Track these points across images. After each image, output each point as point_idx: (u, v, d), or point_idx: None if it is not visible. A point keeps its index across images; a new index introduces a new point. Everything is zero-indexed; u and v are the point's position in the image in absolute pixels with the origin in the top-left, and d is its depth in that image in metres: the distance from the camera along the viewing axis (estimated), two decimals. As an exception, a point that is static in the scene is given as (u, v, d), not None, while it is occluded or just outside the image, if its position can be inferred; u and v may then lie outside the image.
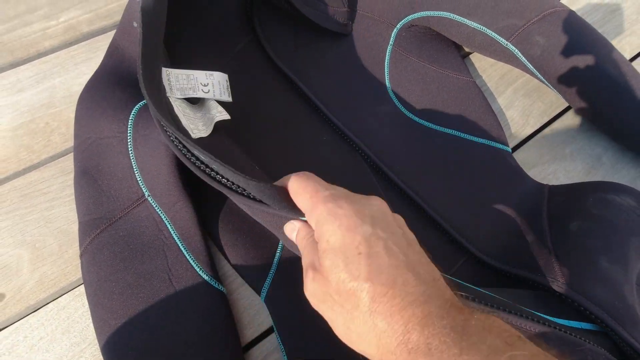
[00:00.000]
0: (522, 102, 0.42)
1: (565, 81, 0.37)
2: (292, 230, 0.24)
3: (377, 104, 0.39)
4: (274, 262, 0.31)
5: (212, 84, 0.32)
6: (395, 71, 0.40)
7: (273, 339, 0.31)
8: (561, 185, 0.35)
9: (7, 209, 0.34)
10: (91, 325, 0.30)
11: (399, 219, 0.23)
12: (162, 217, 0.29)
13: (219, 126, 0.32)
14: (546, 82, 0.38)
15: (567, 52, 0.35)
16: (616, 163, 0.39)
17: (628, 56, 0.45)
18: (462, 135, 0.38)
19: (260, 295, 0.31)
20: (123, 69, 0.33)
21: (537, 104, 0.41)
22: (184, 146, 0.24)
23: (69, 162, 0.36)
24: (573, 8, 0.43)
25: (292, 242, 0.25)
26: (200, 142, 0.26)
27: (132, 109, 0.30)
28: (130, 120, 0.30)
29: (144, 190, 0.29)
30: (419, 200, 0.35)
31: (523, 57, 0.37)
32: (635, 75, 0.36)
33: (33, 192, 0.35)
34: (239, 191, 0.24)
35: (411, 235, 0.22)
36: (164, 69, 0.29)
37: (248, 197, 0.24)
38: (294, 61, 0.40)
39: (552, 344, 0.21)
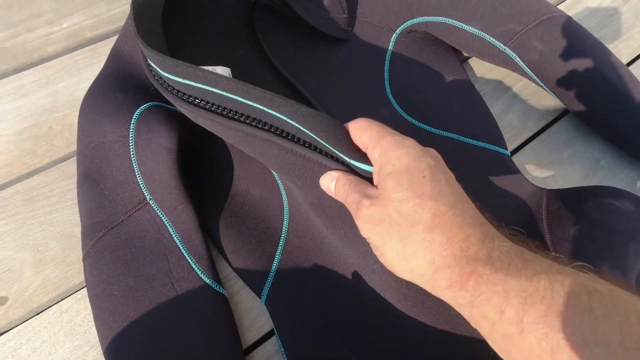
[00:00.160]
0: (520, 106, 0.42)
1: (562, 85, 0.37)
2: (331, 180, 0.25)
3: (377, 108, 0.40)
4: (274, 264, 0.32)
5: None
6: (395, 75, 0.41)
7: (274, 342, 0.31)
8: (560, 189, 0.35)
9: (10, 212, 0.34)
10: (94, 328, 0.30)
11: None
12: (164, 220, 0.30)
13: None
14: (544, 86, 0.38)
15: (565, 56, 0.36)
16: (614, 166, 0.39)
17: (625, 60, 0.45)
18: (462, 138, 0.38)
19: (260, 298, 0.31)
20: (124, 73, 0.33)
21: (535, 108, 0.42)
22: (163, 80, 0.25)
23: (71, 166, 0.36)
24: (570, 13, 0.44)
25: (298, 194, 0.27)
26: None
27: (134, 113, 0.30)
28: (132, 124, 0.30)
29: (146, 194, 0.30)
30: None
31: (521, 62, 0.37)
32: (632, 79, 0.36)
33: (36, 195, 0.35)
34: (242, 120, 0.25)
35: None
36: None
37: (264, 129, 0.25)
38: (294, 66, 0.40)
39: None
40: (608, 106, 0.37)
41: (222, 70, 0.33)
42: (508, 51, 0.37)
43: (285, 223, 0.33)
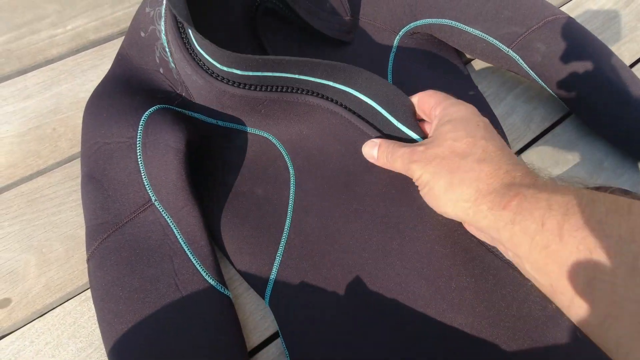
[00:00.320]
0: (523, 108, 0.42)
1: (566, 87, 0.37)
2: (373, 146, 0.29)
3: None
4: (275, 265, 0.31)
5: None
6: (398, 78, 0.41)
7: (279, 344, 0.31)
8: None
9: (14, 214, 0.34)
10: (97, 330, 0.30)
11: None
12: (169, 221, 0.30)
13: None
14: (547, 88, 0.38)
15: (568, 58, 0.36)
16: (617, 168, 0.39)
17: (627, 62, 0.45)
18: None
19: (264, 300, 0.31)
20: (131, 77, 0.33)
21: (538, 110, 0.42)
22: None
23: (75, 168, 0.36)
24: (573, 15, 0.44)
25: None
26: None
27: (143, 115, 0.30)
28: (140, 126, 0.30)
29: (151, 195, 0.30)
30: None
31: (524, 64, 0.37)
32: (635, 80, 0.36)
33: (40, 197, 0.35)
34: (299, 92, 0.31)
35: None
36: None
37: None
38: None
39: None
40: (611, 107, 0.37)
41: None
42: (511, 53, 0.37)
43: (288, 222, 0.33)
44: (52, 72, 0.40)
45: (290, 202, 0.33)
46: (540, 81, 0.38)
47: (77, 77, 0.40)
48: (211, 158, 0.34)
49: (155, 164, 0.30)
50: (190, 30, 0.27)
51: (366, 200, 0.32)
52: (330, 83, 0.31)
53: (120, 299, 0.28)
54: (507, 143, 0.38)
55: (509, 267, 0.29)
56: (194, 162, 0.32)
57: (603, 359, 0.18)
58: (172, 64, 0.33)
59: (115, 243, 0.29)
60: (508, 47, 0.37)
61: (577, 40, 0.36)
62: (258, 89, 0.30)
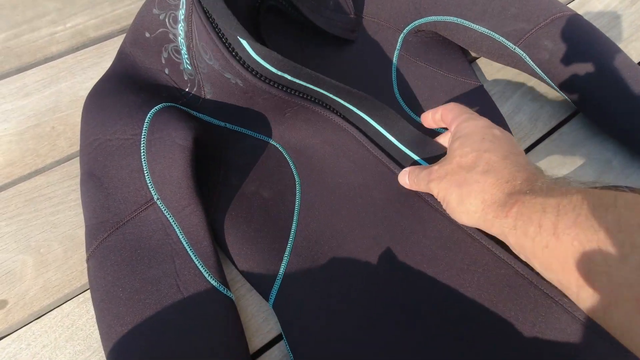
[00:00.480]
0: (529, 106, 0.41)
1: (573, 85, 0.36)
2: (404, 174, 0.32)
3: None
4: (282, 267, 0.31)
5: None
6: (403, 76, 0.40)
7: (282, 347, 0.30)
8: None
9: (12, 213, 0.33)
10: (95, 332, 0.29)
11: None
12: (171, 221, 0.29)
13: None
14: (554, 86, 0.37)
15: (576, 56, 0.35)
16: (626, 167, 0.38)
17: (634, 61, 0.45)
18: None
19: (268, 302, 0.30)
20: (135, 75, 0.33)
21: (545, 109, 0.41)
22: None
23: (74, 167, 0.35)
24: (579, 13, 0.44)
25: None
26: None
27: (148, 112, 0.30)
28: (146, 123, 0.30)
29: (153, 194, 0.29)
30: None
31: (531, 61, 0.37)
32: (644, 79, 0.36)
33: (38, 196, 0.34)
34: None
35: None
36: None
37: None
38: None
39: None
40: (620, 106, 0.36)
41: None
42: (518, 50, 0.37)
43: (294, 225, 0.32)
44: (51, 70, 0.40)
45: (297, 206, 0.33)
46: (548, 79, 0.37)
47: (77, 75, 0.40)
48: (215, 158, 0.34)
49: (160, 161, 0.29)
50: (244, 39, 0.28)
51: (370, 209, 0.33)
52: (355, 109, 0.34)
53: (121, 300, 0.27)
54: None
55: (509, 265, 0.29)
56: (198, 161, 0.32)
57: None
58: (187, 66, 0.33)
59: (115, 242, 0.28)
60: (515, 44, 0.36)
61: (585, 38, 0.36)
62: (298, 94, 0.32)
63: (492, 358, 0.28)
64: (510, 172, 0.24)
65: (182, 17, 0.31)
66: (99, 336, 0.27)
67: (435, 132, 0.35)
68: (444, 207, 0.28)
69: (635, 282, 0.17)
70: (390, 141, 0.34)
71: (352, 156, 0.35)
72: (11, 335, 0.30)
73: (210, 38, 0.29)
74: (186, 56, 0.32)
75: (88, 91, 0.34)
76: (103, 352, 0.27)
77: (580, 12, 0.47)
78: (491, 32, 0.37)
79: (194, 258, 0.28)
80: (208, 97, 0.34)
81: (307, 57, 0.40)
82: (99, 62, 0.40)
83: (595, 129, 0.40)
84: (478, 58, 0.44)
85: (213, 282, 0.28)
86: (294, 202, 0.33)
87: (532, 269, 0.28)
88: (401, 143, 0.34)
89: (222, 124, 0.34)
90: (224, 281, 0.29)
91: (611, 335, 0.19)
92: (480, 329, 0.28)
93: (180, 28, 0.32)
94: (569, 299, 0.24)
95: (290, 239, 0.32)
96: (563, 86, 0.37)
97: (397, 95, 0.40)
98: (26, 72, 0.39)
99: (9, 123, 0.37)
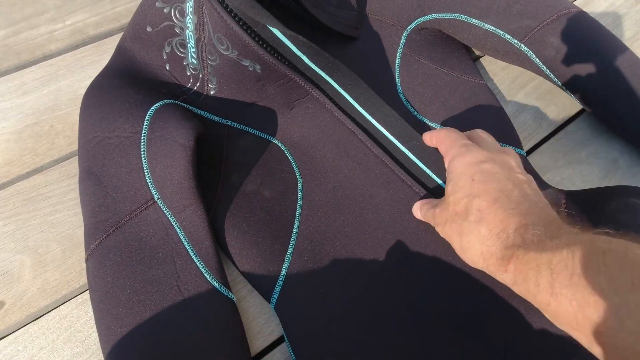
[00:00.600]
0: (534, 105, 0.41)
1: (579, 83, 0.36)
2: (416, 208, 0.32)
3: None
4: (284, 267, 0.30)
5: None
6: (406, 74, 0.40)
7: (284, 349, 0.30)
8: (579, 190, 0.34)
9: (10, 213, 0.33)
10: (94, 334, 0.29)
11: (519, 163, 0.29)
12: (172, 221, 0.28)
13: None
14: (560, 84, 0.37)
15: (582, 53, 0.35)
16: (633, 166, 0.38)
17: None
18: None
19: (270, 303, 0.30)
20: (135, 71, 0.33)
21: (550, 107, 0.41)
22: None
23: (73, 166, 0.35)
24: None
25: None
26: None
27: (149, 109, 0.30)
28: (146, 120, 0.29)
29: (154, 193, 0.28)
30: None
31: (537, 59, 0.36)
32: (651, 77, 0.35)
33: (36, 196, 0.34)
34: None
35: (528, 176, 0.28)
36: None
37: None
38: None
39: None
40: (626, 104, 0.35)
41: None
42: (523, 47, 0.36)
43: (296, 225, 0.32)
44: (50, 68, 0.39)
45: (299, 205, 0.33)
46: (553, 76, 0.37)
47: (76, 73, 0.39)
48: (215, 157, 0.33)
49: (160, 160, 0.29)
50: (275, 29, 0.29)
51: (372, 208, 0.33)
52: (359, 107, 0.35)
53: (120, 301, 0.26)
54: (519, 141, 0.37)
55: None
56: (198, 160, 0.31)
57: None
58: (192, 60, 0.33)
59: (115, 242, 0.28)
60: (520, 41, 0.36)
61: (591, 35, 0.35)
62: (310, 81, 0.33)
63: (499, 357, 0.27)
64: (501, 219, 0.23)
65: (191, 9, 0.31)
66: (98, 338, 0.27)
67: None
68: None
69: (637, 344, 0.17)
70: (392, 142, 0.34)
71: (355, 155, 0.35)
72: (8, 337, 0.29)
73: (228, 26, 0.29)
74: (193, 49, 0.32)
75: (87, 89, 0.34)
76: (102, 354, 0.26)
77: (586, 8, 0.47)
78: (496, 29, 0.37)
79: (195, 259, 0.28)
80: (212, 93, 0.33)
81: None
82: (98, 60, 0.40)
83: (601, 128, 0.39)
84: (482, 57, 0.43)
85: (214, 283, 0.28)
86: (295, 202, 0.33)
87: None
88: (403, 145, 0.34)
89: (224, 121, 0.34)
90: (225, 282, 0.29)
91: None
92: (486, 328, 0.28)
93: (189, 21, 0.31)
94: None
95: (292, 239, 0.31)
96: (568, 84, 0.36)
97: (400, 93, 0.39)
98: (25, 70, 0.39)
99: (7, 121, 0.37)
